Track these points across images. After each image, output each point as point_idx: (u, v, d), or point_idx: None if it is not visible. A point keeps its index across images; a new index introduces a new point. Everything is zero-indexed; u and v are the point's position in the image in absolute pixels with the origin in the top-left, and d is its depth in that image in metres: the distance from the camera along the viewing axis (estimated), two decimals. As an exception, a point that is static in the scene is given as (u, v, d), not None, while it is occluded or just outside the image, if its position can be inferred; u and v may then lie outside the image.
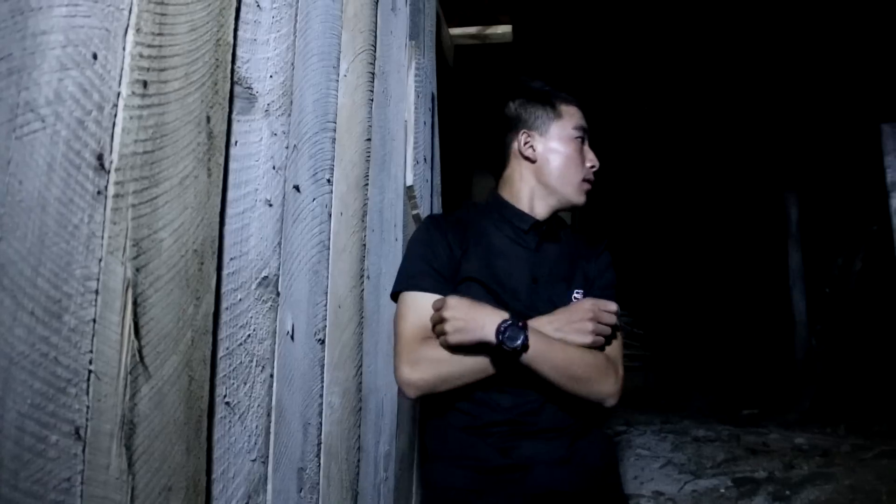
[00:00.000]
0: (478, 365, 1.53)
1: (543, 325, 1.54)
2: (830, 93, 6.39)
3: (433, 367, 1.51)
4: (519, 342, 1.46)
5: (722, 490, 3.16)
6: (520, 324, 1.48)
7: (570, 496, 1.58)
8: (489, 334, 1.48)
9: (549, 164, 1.73)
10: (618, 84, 6.65)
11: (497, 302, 1.59)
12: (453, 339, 1.48)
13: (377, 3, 1.70)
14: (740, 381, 7.13)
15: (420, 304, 1.58)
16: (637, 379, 6.77)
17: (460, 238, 1.67)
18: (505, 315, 1.49)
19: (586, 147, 1.77)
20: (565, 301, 1.65)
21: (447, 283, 1.62)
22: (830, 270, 6.64)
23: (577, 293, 1.68)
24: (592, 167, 1.75)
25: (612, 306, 1.60)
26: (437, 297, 1.57)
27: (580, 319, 1.57)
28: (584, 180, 1.74)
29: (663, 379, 7.36)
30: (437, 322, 1.51)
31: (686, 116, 7.28)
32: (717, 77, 6.39)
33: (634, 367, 6.85)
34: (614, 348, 1.63)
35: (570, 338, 1.54)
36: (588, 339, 1.55)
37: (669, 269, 8.90)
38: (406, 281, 1.62)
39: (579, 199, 1.74)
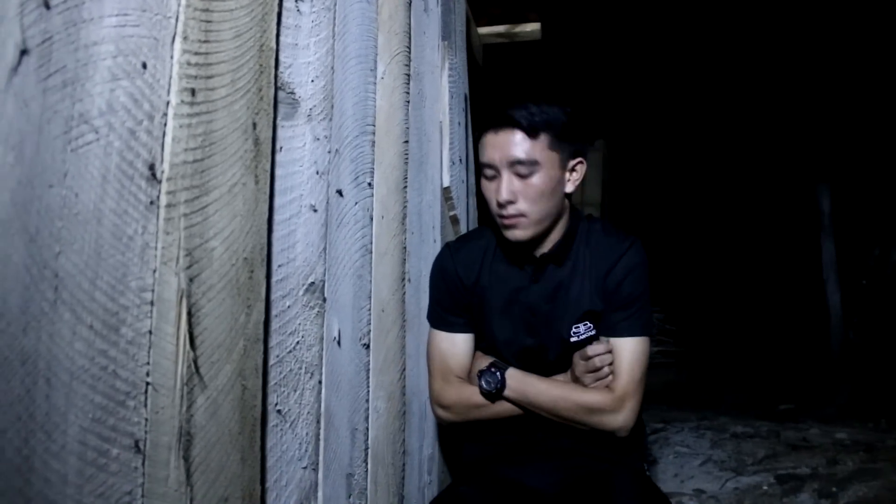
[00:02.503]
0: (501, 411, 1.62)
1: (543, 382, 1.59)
2: (862, 82, 6.28)
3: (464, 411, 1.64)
4: (492, 386, 1.57)
5: (765, 487, 3.10)
6: (492, 369, 1.58)
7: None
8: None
9: None
10: (647, 78, 6.59)
11: (511, 340, 1.65)
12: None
13: (410, 5, 1.69)
14: (776, 375, 7.02)
15: (446, 343, 1.67)
16: (671, 375, 6.68)
17: (474, 279, 1.67)
18: (487, 362, 1.62)
19: (498, 181, 1.52)
20: (566, 335, 1.61)
21: (467, 315, 1.68)
22: (866, 262, 6.51)
23: (576, 328, 1.60)
24: (499, 204, 1.52)
25: (595, 350, 1.56)
26: (457, 336, 1.67)
27: (574, 379, 1.60)
28: (499, 216, 1.54)
29: (697, 375, 7.27)
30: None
31: (717, 109, 7.20)
32: (748, 69, 6.31)
33: (668, 364, 6.76)
34: (624, 379, 1.53)
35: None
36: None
37: (702, 263, 8.80)
38: (433, 317, 1.71)
39: (505, 234, 1.56)
